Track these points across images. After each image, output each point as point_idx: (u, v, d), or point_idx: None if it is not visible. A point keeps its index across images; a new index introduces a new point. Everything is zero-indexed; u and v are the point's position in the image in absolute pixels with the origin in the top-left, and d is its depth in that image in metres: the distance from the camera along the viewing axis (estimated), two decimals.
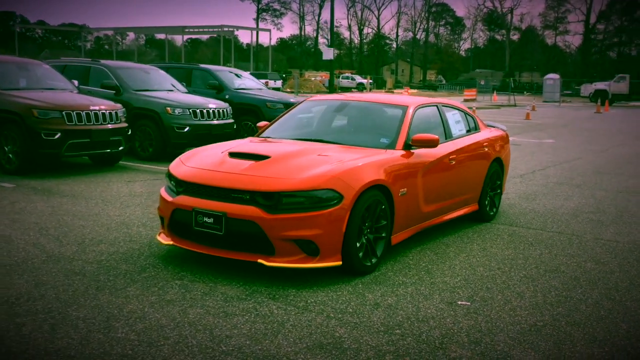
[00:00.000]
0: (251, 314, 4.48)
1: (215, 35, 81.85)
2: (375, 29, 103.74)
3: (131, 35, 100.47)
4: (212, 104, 12.40)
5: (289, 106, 14.32)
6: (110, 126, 10.36)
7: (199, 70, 15.16)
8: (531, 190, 10.05)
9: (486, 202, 7.63)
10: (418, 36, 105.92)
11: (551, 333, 4.31)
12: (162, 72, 13.62)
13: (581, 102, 49.23)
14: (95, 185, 9.25)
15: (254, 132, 14.03)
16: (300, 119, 7.09)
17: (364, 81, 63.66)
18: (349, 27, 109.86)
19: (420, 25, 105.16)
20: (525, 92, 65.14)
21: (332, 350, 3.91)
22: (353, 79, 64.42)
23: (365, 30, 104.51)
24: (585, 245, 6.75)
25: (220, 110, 12.42)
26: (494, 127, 8.37)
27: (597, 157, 15.12)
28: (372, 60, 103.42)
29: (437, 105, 7.11)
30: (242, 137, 13.95)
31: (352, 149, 5.95)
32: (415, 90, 60.07)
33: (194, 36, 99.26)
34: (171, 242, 5.55)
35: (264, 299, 4.77)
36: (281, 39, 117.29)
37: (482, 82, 61.98)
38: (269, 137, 6.68)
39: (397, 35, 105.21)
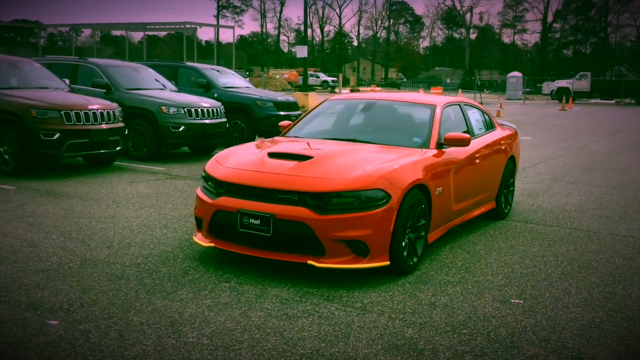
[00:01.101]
0: (313, 315, 4.45)
1: (172, 32, 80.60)
2: (337, 26, 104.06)
3: (86, 31, 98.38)
4: (206, 102, 12.25)
5: (279, 104, 14.29)
6: (107, 126, 10.15)
7: (185, 69, 14.95)
8: (530, 188, 10.22)
9: (502, 200, 7.73)
10: (379, 34, 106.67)
11: (611, 329, 4.39)
12: (151, 70, 13.38)
13: (543, 100, 50.24)
14: (99, 187, 9.04)
15: (244, 131, 13.98)
16: (326, 118, 7.05)
17: (329, 79, 63.73)
18: (311, 25, 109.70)
19: (380, 23, 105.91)
20: (485, 90, 66.06)
21: (409, 352, 3.92)
22: (318, 77, 64.35)
23: (326, 28, 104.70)
24: (605, 241, 6.89)
25: (214, 109, 12.27)
26: (504, 125, 8.48)
27: (579, 154, 15.45)
28: (334, 58, 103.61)
29: (459, 104, 7.18)
30: (233, 136, 13.87)
31: (389, 149, 5.96)
32: (379, 88, 60.38)
33: (151, 33, 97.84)
34: (212, 244, 5.47)
35: (319, 301, 4.74)
36: (242, 36, 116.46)
37: (448, 80, 62.68)
38: (297, 137, 6.62)
39: (359, 33, 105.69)
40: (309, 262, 5.03)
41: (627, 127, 24.91)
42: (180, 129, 11.56)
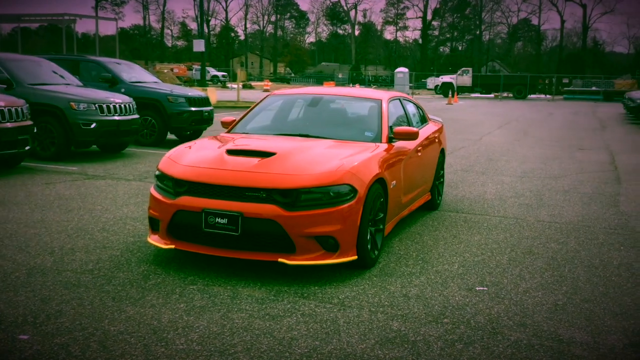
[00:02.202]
0: (295, 314, 4.40)
1: (45, 24, 76.29)
2: (223, 20, 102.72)
3: None
4: (118, 98, 11.72)
5: (192, 100, 13.92)
6: (12, 125, 9.47)
7: (87, 62, 14.21)
8: (447, 179, 10.59)
9: (435, 191, 7.99)
10: (266, 29, 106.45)
11: (575, 310, 4.66)
12: (53, 64, 12.61)
13: (429, 94, 52.31)
14: (14, 190, 8.44)
15: (155, 127, 13.53)
16: (271, 114, 6.96)
17: (219, 74, 62.86)
18: (196, 18, 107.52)
19: (267, 18, 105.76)
20: (371, 85, 67.77)
21: (403, 344, 3.97)
22: (207, 72, 63.31)
23: (212, 22, 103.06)
24: (535, 227, 7.29)
25: (127, 105, 11.77)
26: (432, 118, 8.75)
27: (477, 145, 16.22)
28: (221, 53, 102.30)
29: (399, 99, 7.32)
30: (143, 133, 13.37)
31: (344, 144, 5.98)
32: (271, 83, 60.30)
33: (26, 25, 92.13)
34: (172, 246, 5.26)
35: (295, 299, 4.69)
36: (122, 28, 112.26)
37: (341, 75, 63.66)
38: (246, 133, 6.49)
39: (246, 28, 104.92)
40: (280, 259, 4.96)
41: (512, 119, 26.44)
42: (92, 126, 10.99)
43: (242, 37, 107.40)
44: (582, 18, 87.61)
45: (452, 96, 41.14)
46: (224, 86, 54.34)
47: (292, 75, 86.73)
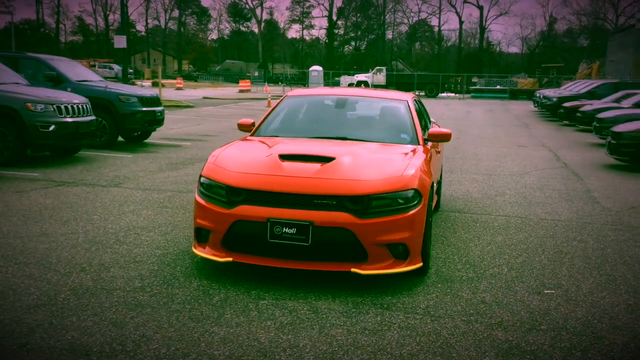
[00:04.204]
0: (391, 327, 4.20)
1: None
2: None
3: None
4: (76, 99, 10.95)
5: (144, 100, 13.24)
6: None
7: (27, 60, 13.18)
8: None
9: (440, 192, 7.97)
10: (168, 25, 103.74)
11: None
12: None
13: None
14: None
15: (106, 129, 12.75)
16: (295, 116, 6.64)
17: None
18: (94, 13, 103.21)
19: (169, 13, 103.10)
20: (280, 83, 67.61)
21: (525, 355, 3.86)
22: (112, 68, 60.97)
23: (111, 17, 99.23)
24: (543, 225, 7.40)
25: (84, 106, 11.03)
26: None
27: None
28: (121, 49, 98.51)
29: (415, 99, 7.23)
30: (96, 134, 12.56)
31: (388, 147, 5.81)
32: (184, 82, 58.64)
33: None
34: (230, 259, 4.90)
35: (377, 310, 4.48)
36: (11, 23, 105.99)
37: (257, 74, 62.97)
38: (276, 136, 6.14)
39: (147, 23, 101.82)
40: (353, 269, 4.74)
41: (438, 118, 27.09)
42: (51, 128, 10.20)
43: (144, 33, 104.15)
44: (479, 19, 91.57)
45: None
46: (133, 83, 52.18)
47: (197, 73, 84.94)
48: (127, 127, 12.86)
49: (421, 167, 5.30)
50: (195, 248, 5.15)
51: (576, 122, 22.19)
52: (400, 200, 4.85)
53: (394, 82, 51.01)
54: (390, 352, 3.80)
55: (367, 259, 4.76)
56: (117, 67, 63.02)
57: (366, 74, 51.26)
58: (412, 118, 6.32)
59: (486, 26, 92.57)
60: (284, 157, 5.15)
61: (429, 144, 6.24)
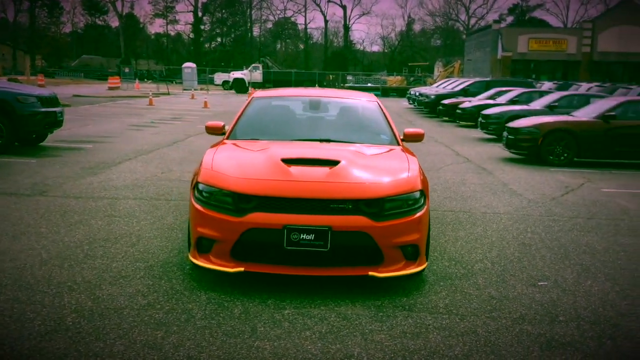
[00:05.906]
0: (427, 329, 4.23)
1: None
2: None
3: None
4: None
5: (43, 100, 12.27)
6: None
7: None
8: None
9: None
10: (18, 18, 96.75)
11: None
12: None
13: (217, 90, 51.88)
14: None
15: (3, 131, 11.71)
16: (272, 117, 6.43)
17: None
18: None
19: (16, 5, 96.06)
20: (145, 80, 65.35)
21: (564, 347, 4.03)
22: None
23: None
24: (492, 219, 7.72)
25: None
26: None
27: None
28: None
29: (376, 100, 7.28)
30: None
31: (375, 148, 5.81)
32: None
33: None
34: (241, 269, 4.67)
35: (400, 312, 4.50)
36: None
37: (127, 70, 60.16)
38: (255, 139, 5.91)
39: None
40: (370, 273, 4.70)
41: None
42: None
43: None
44: (342, 18, 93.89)
45: (244, 91, 41.50)
46: None
47: (53, 69, 79.88)
48: (27, 129, 11.86)
49: (419, 168, 5.37)
50: (195, 259, 4.86)
51: (457, 118, 23.42)
52: (410, 202, 4.89)
53: (272, 80, 51.01)
54: (445, 354, 3.83)
55: (382, 262, 4.75)
56: None
57: (242, 72, 50.81)
58: (387, 118, 6.38)
59: (350, 25, 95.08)
60: (287, 162, 5.00)
61: (405, 144, 6.33)
